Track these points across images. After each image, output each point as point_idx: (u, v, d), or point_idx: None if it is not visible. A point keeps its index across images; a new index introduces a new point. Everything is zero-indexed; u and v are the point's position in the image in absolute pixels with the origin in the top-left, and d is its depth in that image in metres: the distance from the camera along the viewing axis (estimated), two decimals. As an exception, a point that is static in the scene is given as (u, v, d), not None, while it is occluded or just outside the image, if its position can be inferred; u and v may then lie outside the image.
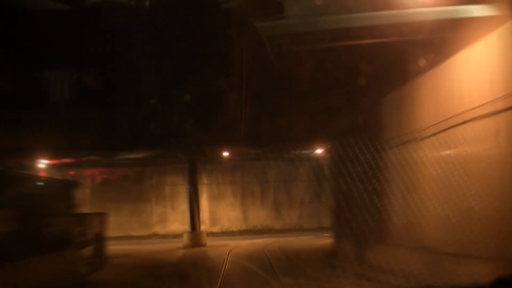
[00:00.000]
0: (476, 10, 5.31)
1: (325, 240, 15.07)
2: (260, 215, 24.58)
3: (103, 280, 9.73)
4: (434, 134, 6.28)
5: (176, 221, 24.18)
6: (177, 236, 22.15)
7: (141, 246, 18.15)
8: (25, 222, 7.52)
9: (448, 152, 6.00)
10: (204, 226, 21.04)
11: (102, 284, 9.24)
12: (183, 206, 23.38)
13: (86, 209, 13.95)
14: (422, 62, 6.53)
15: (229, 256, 12.77)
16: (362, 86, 8.40)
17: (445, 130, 6.00)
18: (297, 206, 24.24)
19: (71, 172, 22.97)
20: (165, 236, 23.60)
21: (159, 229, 24.25)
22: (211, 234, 21.83)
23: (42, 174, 20.77)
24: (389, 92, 7.77)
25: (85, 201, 16.61)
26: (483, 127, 5.24)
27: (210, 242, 19.12)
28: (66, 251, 9.27)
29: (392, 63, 7.00)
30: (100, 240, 11.70)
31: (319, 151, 20.92)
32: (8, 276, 6.99)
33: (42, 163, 20.68)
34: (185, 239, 18.32)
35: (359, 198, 8.44)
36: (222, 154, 21.00)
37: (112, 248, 12.97)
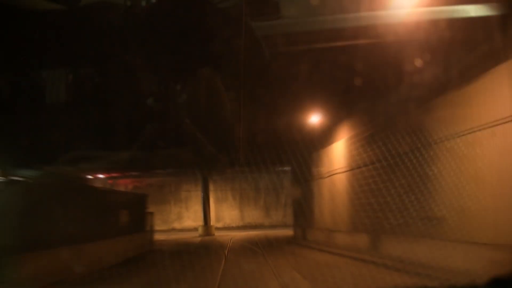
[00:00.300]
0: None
1: (296, 231, 22.44)
2: (253, 214, 31.94)
3: (160, 250, 16.95)
4: (327, 177, 13.66)
5: (189, 218, 31.42)
6: (190, 230, 29.30)
7: (166, 236, 25.17)
8: (129, 216, 14.81)
9: (331, 185, 13.33)
10: (211, 222, 28.22)
11: (161, 252, 16.48)
12: (195, 207, 30.60)
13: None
14: (324, 142, 13.91)
15: (231, 240, 20.02)
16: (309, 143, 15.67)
17: (330, 176, 13.38)
18: (282, 208, 31.42)
19: (110, 181, 30.11)
20: (181, 230, 30.67)
21: (176, 225, 31.47)
22: (216, 228, 28.57)
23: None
24: (313, 152, 15.14)
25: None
26: (340, 177, 12.60)
27: (216, 233, 26.37)
28: (140, 233, 16.58)
29: (314, 138, 14.35)
30: (151, 228, 18.95)
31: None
32: (120, 243, 14.19)
33: (89, 175, 27.56)
34: (200, 230, 25.64)
35: (302, 204, 15.89)
36: (225, 168, 27.96)
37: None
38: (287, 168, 28.81)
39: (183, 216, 31.63)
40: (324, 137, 13.81)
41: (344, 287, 7.36)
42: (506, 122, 6.48)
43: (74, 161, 16.12)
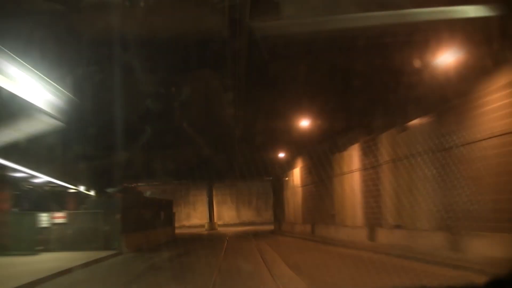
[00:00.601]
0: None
1: (278, 226, 30.36)
2: (247, 214, 39.84)
3: (181, 238, 24.74)
4: (294, 187, 21.58)
5: (196, 217, 39.21)
6: (197, 226, 36.97)
7: (180, 231, 32.83)
8: (164, 215, 22.68)
9: (294, 194, 21.22)
10: (214, 220, 35.88)
11: (183, 239, 24.27)
12: (200, 208, 38.38)
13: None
14: (291, 165, 21.79)
15: (230, 233, 27.88)
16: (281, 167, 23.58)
17: (296, 187, 21.31)
18: (270, 208, 38.76)
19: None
20: (189, 227, 38.24)
21: (185, 222, 39.16)
22: (218, 225, 36.61)
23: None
24: (286, 170, 23.02)
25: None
26: (297, 189, 20.52)
27: (218, 228, 34.19)
28: (169, 227, 24.44)
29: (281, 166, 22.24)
30: (174, 224, 26.78)
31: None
32: (157, 233, 21.97)
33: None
34: (206, 226, 33.55)
35: (279, 206, 23.85)
36: (225, 178, 35.68)
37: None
38: (272, 178, 36.70)
39: (191, 216, 39.48)
40: (291, 162, 21.74)
41: (286, 248, 15.26)
42: (355, 171, 14.41)
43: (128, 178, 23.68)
